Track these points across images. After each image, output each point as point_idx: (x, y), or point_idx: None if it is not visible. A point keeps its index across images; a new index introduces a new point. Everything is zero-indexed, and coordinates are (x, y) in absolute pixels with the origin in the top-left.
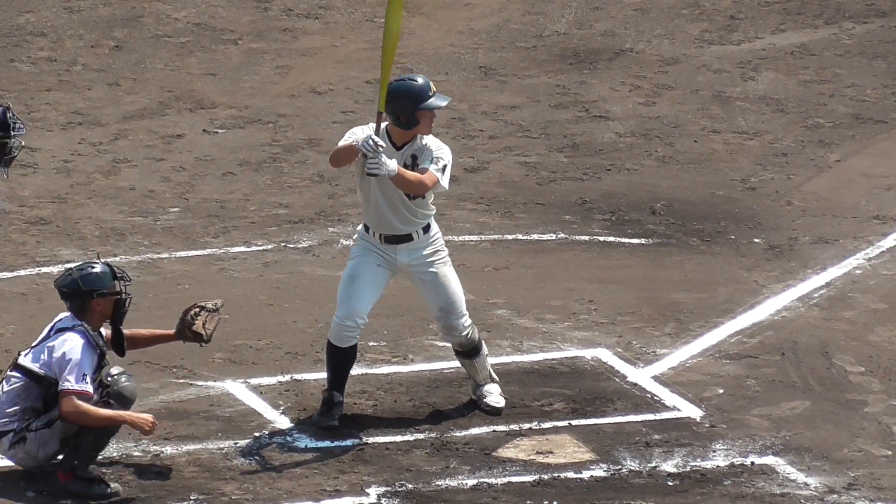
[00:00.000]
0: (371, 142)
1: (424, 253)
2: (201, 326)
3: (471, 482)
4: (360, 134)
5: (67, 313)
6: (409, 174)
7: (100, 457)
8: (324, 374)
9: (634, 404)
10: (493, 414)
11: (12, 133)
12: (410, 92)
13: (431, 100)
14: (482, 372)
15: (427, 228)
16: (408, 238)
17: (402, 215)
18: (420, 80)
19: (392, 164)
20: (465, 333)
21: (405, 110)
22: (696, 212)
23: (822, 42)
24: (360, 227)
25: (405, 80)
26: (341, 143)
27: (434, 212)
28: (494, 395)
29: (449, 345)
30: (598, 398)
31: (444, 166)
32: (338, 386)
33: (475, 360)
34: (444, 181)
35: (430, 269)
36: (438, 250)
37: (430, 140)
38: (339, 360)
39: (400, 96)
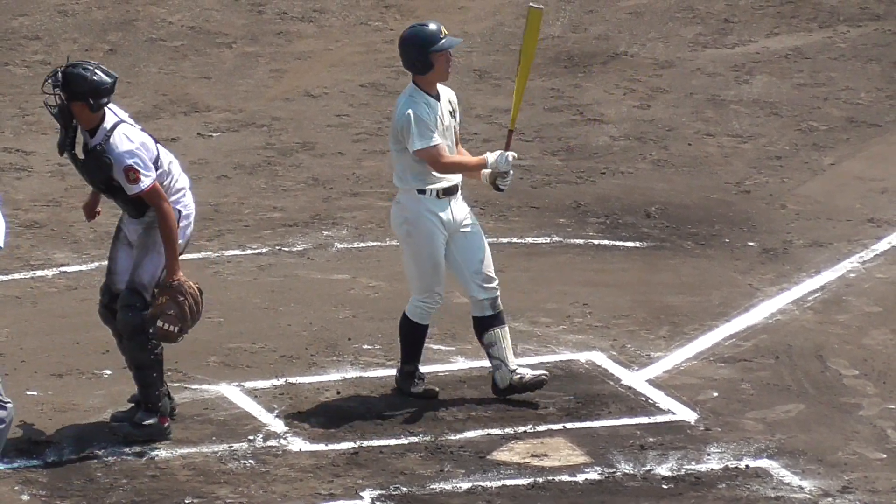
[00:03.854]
0: (511, 158)
1: (466, 206)
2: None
3: (465, 485)
4: (490, 158)
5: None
6: None
7: (95, 460)
8: (318, 378)
9: (629, 407)
10: (543, 384)
11: None
12: (417, 37)
13: (443, 41)
14: (510, 349)
15: None
16: (456, 190)
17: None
18: (432, 26)
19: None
20: (497, 287)
21: (417, 55)
22: (690, 215)
23: (816, 45)
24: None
25: (415, 26)
26: (465, 159)
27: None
28: (530, 371)
29: (443, 347)
30: (593, 401)
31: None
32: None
33: (505, 326)
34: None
35: (473, 221)
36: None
37: (445, 87)
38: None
39: (410, 44)
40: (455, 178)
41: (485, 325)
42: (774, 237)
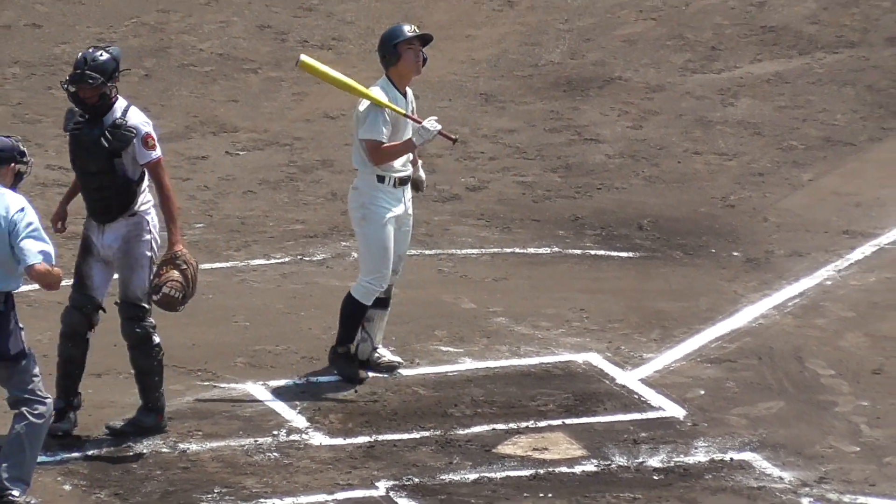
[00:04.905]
0: (430, 126)
1: (412, 199)
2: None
3: (472, 476)
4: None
5: None
6: None
7: (131, 453)
8: (336, 377)
9: (623, 404)
10: (394, 370)
11: (25, 159)
12: (387, 33)
13: (409, 34)
14: (382, 331)
15: None
16: (408, 180)
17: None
18: (403, 25)
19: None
20: (399, 276)
21: (386, 49)
22: (679, 227)
23: (796, 71)
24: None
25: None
26: (392, 143)
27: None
28: (390, 355)
29: (451, 349)
30: (590, 399)
31: None
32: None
33: (387, 311)
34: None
35: (411, 216)
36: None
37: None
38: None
39: (382, 41)
40: (409, 170)
41: (374, 302)
42: (757, 247)
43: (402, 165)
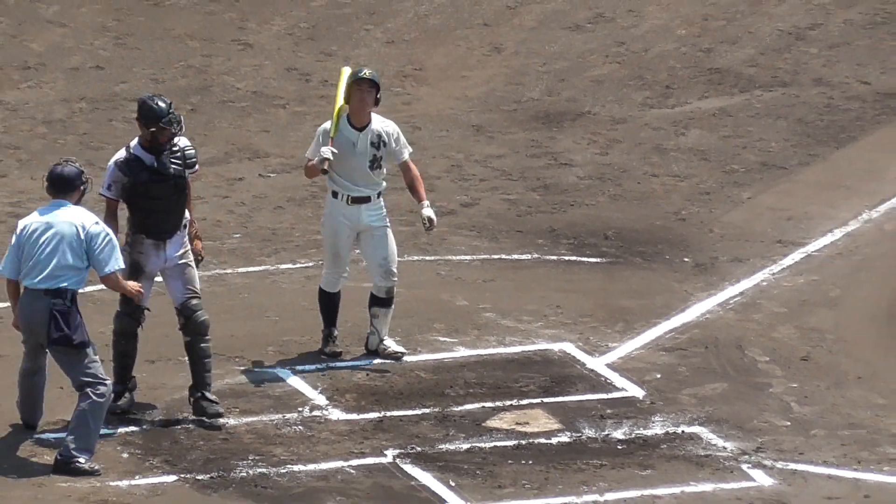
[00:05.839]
0: (325, 155)
1: (380, 213)
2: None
3: (465, 446)
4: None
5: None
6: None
7: (179, 427)
8: (352, 363)
9: (592, 386)
10: (399, 359)
11: (84, 178)
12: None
13: (356, 75)
14: (387, 326)
15: (379, 195)
16: (367, 199)
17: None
18: (363, 69)
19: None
20: (396, 279)
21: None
22: (639, 237)
23: (737, 106)
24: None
25: None
26: (311, 163)
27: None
28: (395, 345)
29: (448, 339)
30: (564, 381)
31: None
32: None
33: (390, 309)
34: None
35: (382, 226)
36: (385, 215)
37: (383, 122)
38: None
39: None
40: (366, 191)
41: (376, 302)
42: (704, 254)
43: (354, 186)
